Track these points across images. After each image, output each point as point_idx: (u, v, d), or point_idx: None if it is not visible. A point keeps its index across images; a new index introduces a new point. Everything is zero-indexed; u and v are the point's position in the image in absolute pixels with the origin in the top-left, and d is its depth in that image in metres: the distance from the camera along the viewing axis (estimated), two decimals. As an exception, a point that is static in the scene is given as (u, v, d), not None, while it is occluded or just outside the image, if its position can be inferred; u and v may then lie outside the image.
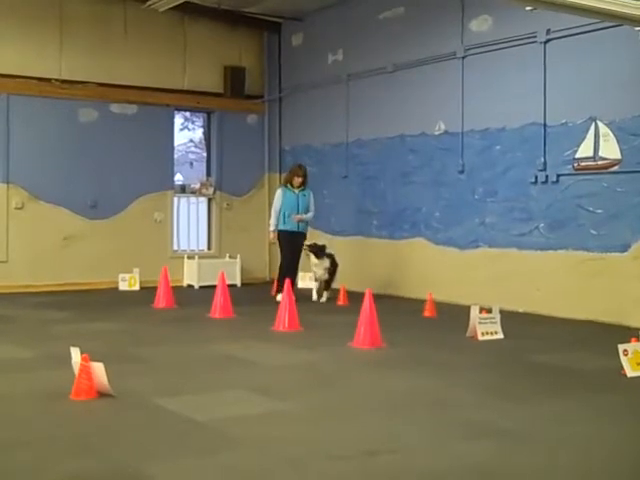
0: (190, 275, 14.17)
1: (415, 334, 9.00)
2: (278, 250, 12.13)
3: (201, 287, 13.74)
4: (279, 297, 10.92)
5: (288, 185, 11.92)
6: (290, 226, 11.75)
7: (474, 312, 8.56)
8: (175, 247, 14.68)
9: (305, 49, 14.62)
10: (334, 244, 12.27)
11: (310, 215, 11.91)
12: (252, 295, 12.90)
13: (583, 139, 10.08)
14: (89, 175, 13.60)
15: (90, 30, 13.61)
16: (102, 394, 5.80)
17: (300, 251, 11.74)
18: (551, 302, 10.38)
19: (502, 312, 8.81)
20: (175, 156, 15.34)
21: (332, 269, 11.61)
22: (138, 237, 13.96)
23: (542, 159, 10.54)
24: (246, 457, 4.59)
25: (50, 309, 10.90)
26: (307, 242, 11.69)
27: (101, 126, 13.74)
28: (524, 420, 5.39)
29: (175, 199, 14.69)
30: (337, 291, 11.57)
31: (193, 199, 15.08)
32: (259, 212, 15.09)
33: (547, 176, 10.48)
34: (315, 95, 14.27)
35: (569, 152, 10.25)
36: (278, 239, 11.90)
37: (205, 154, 15.82)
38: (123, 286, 13.39)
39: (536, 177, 10.61)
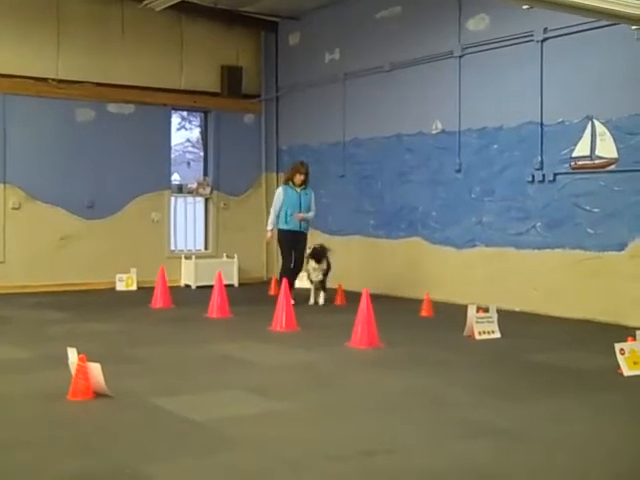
0: (187, 275, 14.16)
1: (412, 334, 9.01)
2: (278, 250, 11.90)
3: (198, 287, 13.73)
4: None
5: (289, 183, 11.55)
6: (292, 225, 11.39)
7: (471, 311, 8.57)
8: (172, 247, 14.67)
9: (302, 48, 14.62)
10: (331, 244, 12.25)
11: (312, 214, 11.58)
12: (249, 295, 12.90)
13: (580, 138, 10.09)
14: (86, 175, 13.59)
15: (87, 30, 13.59)
16: (99, 394, 5.80)
17: (302, 251, 11.39)
18: (548, 301, 10.39)
19: (499, 311, 8.82)
20: (172, 156, 15.34)
21: (326, 270, 11.39)
22: (135, 237, 13.94)
23: (539, 158, 10.54)
24: (244, 457, 4.60)
25: (47, 309, 10.89)
26: (309, 249, 11.34)
27: (98, 126, 13.72)
28: (521, 419, 5.40)
29: (172, 199, 14.67)
30: (334, 291, 11.57)
31: (190, 199, 15.07)
32: (256, 212, 15.09)
33: (544, 175, 10.49)
34: (312, 94, 14.27)
35: (566, 151, 10.25)
36: (279, 239, 11.59)
37: (202, 154, 15.82)
38: (120, 286, 13.39)
39: (533, 176, 10.61)
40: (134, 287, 13.34)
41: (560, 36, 10.21)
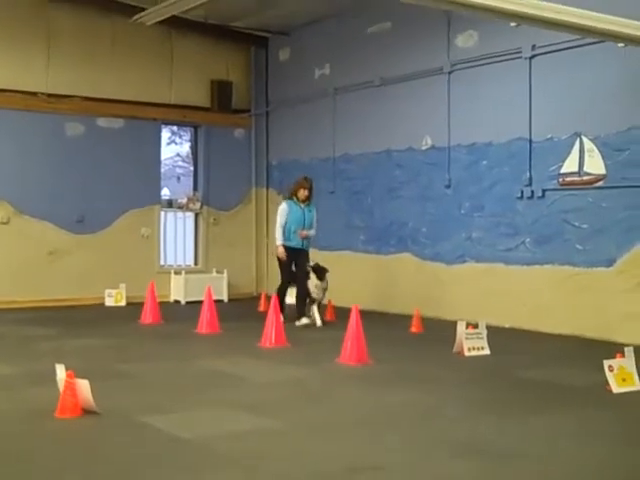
0: (177, 290, 14.12)
1: (402, 350, 9.00)
2: (278, 268, 11.38)
3: (188, 302, 13.69)
4: (304, 321, 10.77)
5: (294, 198, 11.14)
6: (295, 242, 10.99)
7: (461, 328, 8.57)
8: (162, 262, 14.64)
9: (292, 63, 14.66)
10: (321, 259, 12.21)
11: (313, 232, 11.20)
12: (239, 310, 12.87)
13: (568, 154, 10.14)
14: (75, 189, 13.55)
15: (77, 44, 13.59)
16: (87, 411, 5.76)
17: (303, 269, 10.96)
18: (537, 317, 10.40)
19: (489, 327, 8.82)
20: (162, 170, 15.33)
21: (326, 288, 11.01)
22: (124, 252, 13.90)
23: (528, 174, 10.58)
24: (233, 475, 4.57)
25: (35, 325, 10.82)
26: (311, 263, 11.02)
27: (88, 140, 13.71)
28: (510, 436, 5.39)
29: (162, 214, 14.65)
30: (325, 307, 11.54)
31: (180, 214, 15.05)
32: (246, 227, 15.10)
33: (533, 191, 10.53)
34: (302, 109, 14.30)
35: (554, 167, 10.30)
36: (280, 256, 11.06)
37: (192, 168, 15.81)
38: (109, 302, 13.34)
39: (522, 192, 10.65)
40: (123, 303, 13.29)
41: (548, 53, 10.28)
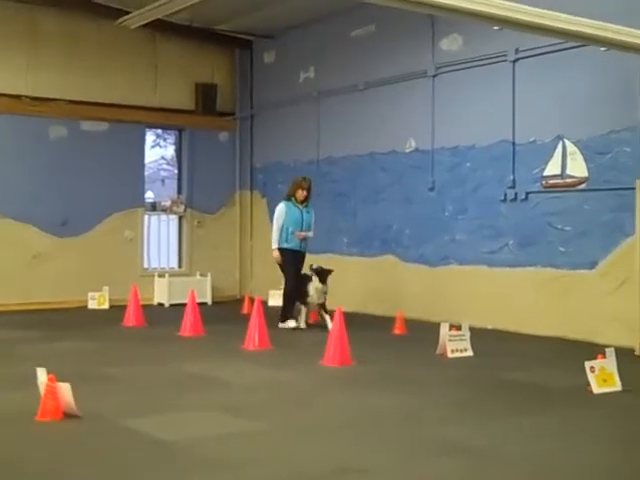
0: (160, 293, 14.08)
1: (385, 352, 9.01)
2: (280, 271, 11.12)
3: (171, 305, 13.64)
4: (291, 323, 10.65)
5: (292, 199, 10.90)
6: (293, 244, 10.78)
7: (444, 329, 8.59)
8: (145, 265, 14.59)
9: (277, 66, 14.66)
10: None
11: (311, 234, 10.97)
12: (222, 313, 12.85)
13: (551, 157, 10.19)
14: (59, 193, 13.48)
15: (61, 47, 13.54)
16: (68, 415, 5.73)
17: (300, 271, 10.86)
18: (520, 319, 10.44)
19: (472, 329, 8.85)
20: (146, 173, 15.28)
21: (326, 292, 10.81)
22: (108, 255, 13.85)
23: (511, 177, 10.63)
24: (218, 477, 4.56)
25: (17, 328, 10.75)
26: (313, 265, 10.81)
27: (71, 143, 13.65)
28: (494, 437, 5.41)
29: (146, 217, 14.60)
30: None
31: (164, 217, 15.00)
32: (230, 230, 15.08)
33: (516, 194, 10.58)
34: (287, 112, 14.30)
35: (537, 170, 10.35)
36: (283, 259, 10.82)
37: (176, 171, 15.77)
38: (92, 305, 13.27)
39: (505, 194, 10.70)
40: (106, 305, 13.22)
41: (532, 56, 10.32)
